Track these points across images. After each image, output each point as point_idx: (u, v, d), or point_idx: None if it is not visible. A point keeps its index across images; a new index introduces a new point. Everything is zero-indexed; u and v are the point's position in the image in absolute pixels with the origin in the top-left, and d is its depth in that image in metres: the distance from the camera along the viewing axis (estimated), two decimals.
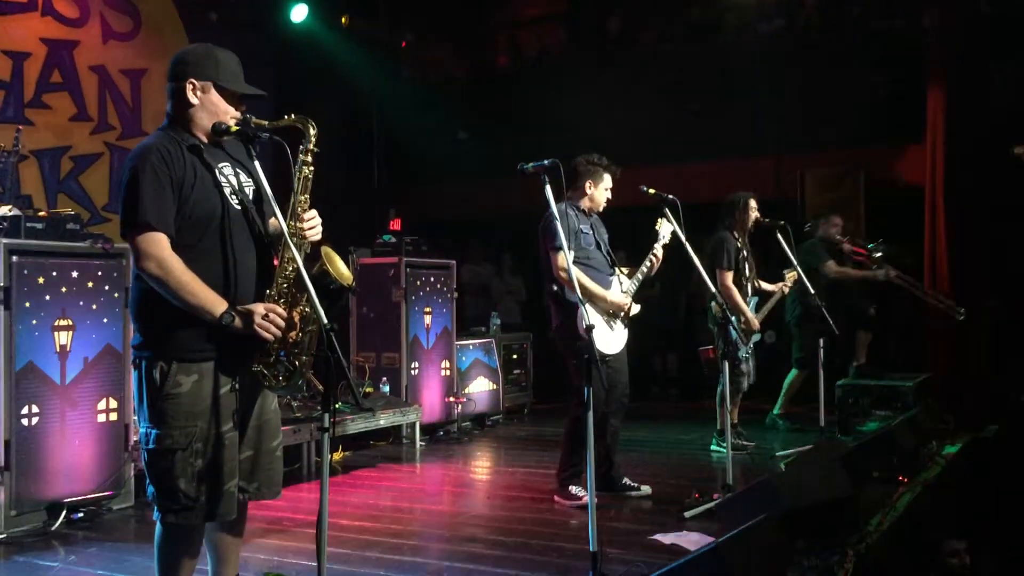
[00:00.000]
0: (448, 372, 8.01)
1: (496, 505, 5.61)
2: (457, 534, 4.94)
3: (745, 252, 6.79)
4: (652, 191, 5.13)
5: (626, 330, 5.36)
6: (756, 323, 6.66)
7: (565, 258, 4.99)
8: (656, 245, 5.41)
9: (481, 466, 7.02)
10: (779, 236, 6.53)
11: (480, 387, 8.44)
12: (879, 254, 7.53)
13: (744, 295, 6.69)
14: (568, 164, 5.32)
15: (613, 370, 5.30)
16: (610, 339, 5.24)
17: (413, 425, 7.41)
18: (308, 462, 6.30)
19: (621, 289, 5.33)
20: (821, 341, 6.50)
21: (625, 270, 5.46)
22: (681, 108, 9.97)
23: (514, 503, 5.56)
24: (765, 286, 6.92)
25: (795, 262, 6.54)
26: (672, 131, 9.94)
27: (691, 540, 4.44)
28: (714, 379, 6.58)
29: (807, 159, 9.55)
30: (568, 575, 4.07)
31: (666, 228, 5.37)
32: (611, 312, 5.26)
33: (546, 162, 4.06)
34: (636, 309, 5.33)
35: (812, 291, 6.52)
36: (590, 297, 5.13)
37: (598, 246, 5.36)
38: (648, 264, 5.39)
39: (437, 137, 11.21)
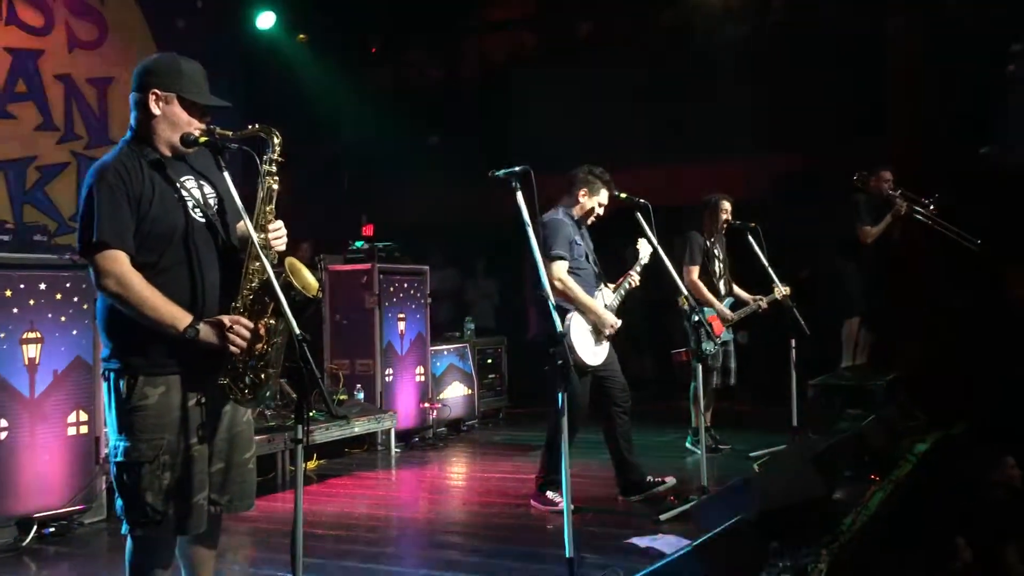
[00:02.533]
0: (423, 378, 8.00)
1: (472, 511, 5.61)
2: (434, 541, 4.93)
3: (717, 252, 6.83)
4: (624, 195, 5.15)
5: (608, 344, 5.36)
6: (729, 314, 6.69)
7: (562, 268, 5.04)
8: (636, 265, 5.44)
9: (457, 472, 7.01)
10: (749, 238, 6.58)
11: (455, 392, 8.43)
12: (932, 207, 7.27)
13: (716, 294, 6.74)
14: (539, 171, 5.33)
15: (606, 376, 5.33)
16: (595, 351, 5.25)
17: (388, 432, 7.38)
18: (282, 471, 6.27)
19: (605, 303, 5.34)
20: (793, 341, 6.53)
21: (611, 285, 5.47)
22: (651, 111, 10.01)
23: (490, 508, 5.56)
24: (742, 295, 6.92)
25: (766, 263, 6.57)
26: (642, 134, 9.98)
27: (667, 543, 4.45)
28: (687, 381, 6.61)
29: (776, 160, 9.62)
30: None
31: (645, 249, 5.39)
32: (598, 326, 5.28)
33: (516, 168, 4.05)
34: (618, 324, 5.33)
35: (784, 291, 6.58)
36: (582, 308, 5.18)
37: (587, 258, 5.37)
38: (629, 284, 5.42)
39: (407, 142, 11.19)
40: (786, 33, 10.09)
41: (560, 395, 3.69)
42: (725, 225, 6.81)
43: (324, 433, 6.57)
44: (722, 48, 10.26)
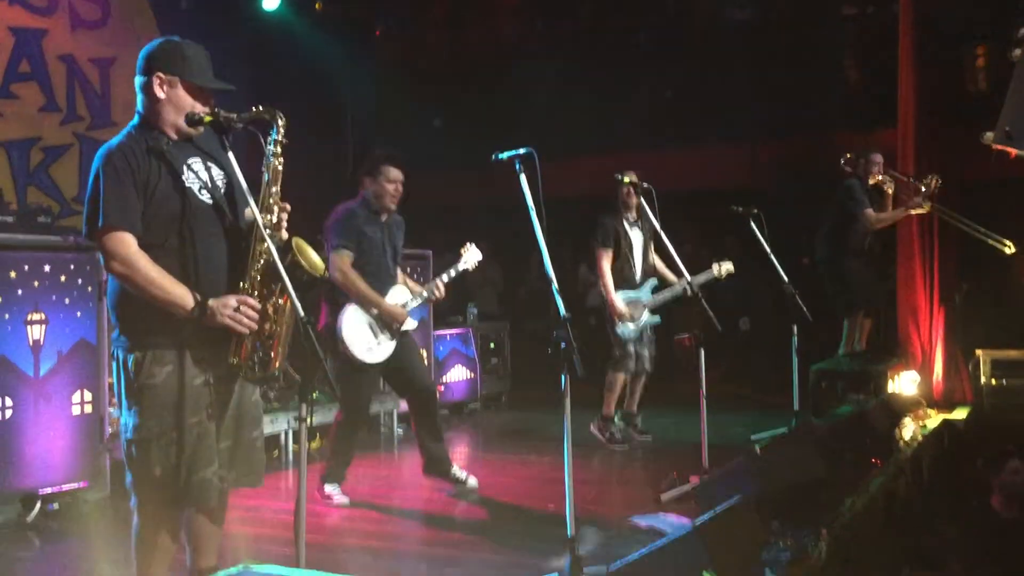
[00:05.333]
0: (425, 361, 8.00)
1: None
2: (435, 520, 4.96)
3: (636, 233, 6.64)
4: (627, 180, 5.14)
5: (394, 343, 5.06)
6: (621, 310, 6.48)
7: (345, 258, 4.86)
8: (450, 270, 5.20)
9: (458, 453, 7.02)
10: (752, 225, 6.53)
11: (458, 376, 8.46)
12: (925, 189, 7.10)
13: (630, 278, 6.61)
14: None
15: (402, 371, 5.17)
16: (375, 348, 4.98)
17: (391, 413, 7.41)
18: (286, 451, 6.30)
19: (398, 301, 5.09)
20: (795, 327, 6.52)
21: (410, 284, 5.24)
22: (655, 96, 9.99)
23: (491, 489, 5.57)
24: (669, 276, 6.71)
25: (768, 250, 6.52)
26: (646, 119, 9.96)
27: (668, 522, 4.47)
28: (689, 365, 6.60)
29: (780, 145, 9.60)
30: (546, 559, 4.09)
31: (472, 255, 5.16)
32: (384, 321, 5.01)
33: (521, 151, 4.04)
34: (412, 325, 5.11)
35: (786, 279, 6.56)
36: (363, 302, 4.94)
37: (384, 252, 5.10)
38: (429, 292, 5.16)
39: (412, 125, 11.18)
40: (792, 16, 10.06)
41: (563, 378, 3.69)
42: (634, 201, 6.50)
43: (327, 413, 6.58)
44: (726, 32, 10.24)
